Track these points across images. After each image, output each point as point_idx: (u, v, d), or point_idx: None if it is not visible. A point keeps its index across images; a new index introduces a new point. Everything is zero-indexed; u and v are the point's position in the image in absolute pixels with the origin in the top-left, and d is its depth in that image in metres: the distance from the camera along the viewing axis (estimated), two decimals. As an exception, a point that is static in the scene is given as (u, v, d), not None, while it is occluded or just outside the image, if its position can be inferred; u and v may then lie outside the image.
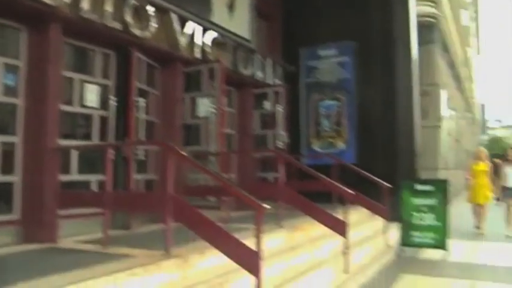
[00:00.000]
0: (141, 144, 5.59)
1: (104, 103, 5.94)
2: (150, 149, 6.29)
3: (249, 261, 3.48)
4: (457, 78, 21.83)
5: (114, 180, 5.81)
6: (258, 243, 3.44)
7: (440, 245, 6.88)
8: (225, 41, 7.99)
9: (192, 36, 7.08)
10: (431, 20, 13.76)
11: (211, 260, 4.10)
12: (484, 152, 10.05)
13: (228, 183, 3.93)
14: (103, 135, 5.90)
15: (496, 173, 9.66)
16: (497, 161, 10.15)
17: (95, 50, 5.96)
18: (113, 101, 5.88)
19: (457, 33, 21.63)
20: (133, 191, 5.36)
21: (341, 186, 5.69)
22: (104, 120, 5.92)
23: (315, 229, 6.05)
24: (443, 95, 14.87)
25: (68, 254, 4.21)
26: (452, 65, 19.48)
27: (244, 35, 8.77)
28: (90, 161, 5.93)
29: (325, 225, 5.60)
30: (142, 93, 6.19)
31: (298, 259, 5.17)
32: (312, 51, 10.41)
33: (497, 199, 9.49)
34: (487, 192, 9.38)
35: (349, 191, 5.51)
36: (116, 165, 5.81)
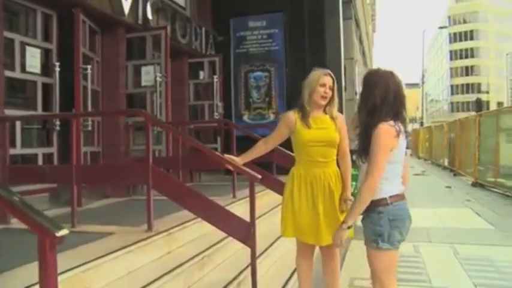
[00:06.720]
0: (118, 114, 5.15)
1: (46, 69, 5.39)
2: (95, 121, 5.87)
3: (242, 231, 3.44)
4: (363, 53, 23.03)
5: (61, 153, 5.39)
6: (252, 213, 3.42)
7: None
8: (164, 7, 7.61)
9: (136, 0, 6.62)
10: (350, -5, 14.31)
11: (194, 232, 4.00)
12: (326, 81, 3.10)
13: (212, 152, 3.80)
14: (46, 104, 5.35)
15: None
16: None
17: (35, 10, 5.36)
18: (57, 67, 5.34)
19: (363, 10, 22.70)
20: (108, 163, 4.96)
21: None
22: (47, 88, 5.38)
23: (268, 197, 6.10)
24: (356, 69, 15.60)
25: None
26: (360, 41, 20.48)
27: (180, 1, 8.44)
28: (33, 133, 5.44)
29: (275, 191, 5.63)
30: (86, 60, 5.69)
31: (263, 227, 5.21)
32: (242, 21, 10.29)
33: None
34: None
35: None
36: (61, 137, 5.37)
